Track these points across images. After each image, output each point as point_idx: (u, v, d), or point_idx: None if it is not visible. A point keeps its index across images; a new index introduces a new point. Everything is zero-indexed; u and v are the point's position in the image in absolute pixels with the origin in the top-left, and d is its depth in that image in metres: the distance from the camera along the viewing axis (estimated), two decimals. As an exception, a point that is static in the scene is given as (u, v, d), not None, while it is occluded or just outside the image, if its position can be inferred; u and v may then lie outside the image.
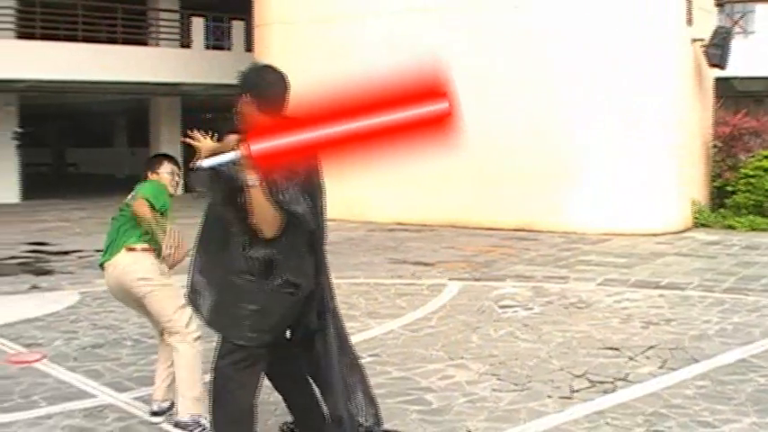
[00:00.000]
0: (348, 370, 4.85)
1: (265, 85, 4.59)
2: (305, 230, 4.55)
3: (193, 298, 4.74)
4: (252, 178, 4.28)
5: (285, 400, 5.09)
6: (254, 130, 4.33)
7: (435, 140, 4.51)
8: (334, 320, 4.83)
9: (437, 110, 4.30)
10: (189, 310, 5.25)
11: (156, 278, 5.59)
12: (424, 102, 4.29)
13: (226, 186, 4.49)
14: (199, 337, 5.56)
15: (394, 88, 4.34)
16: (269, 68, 4.71)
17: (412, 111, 4.28)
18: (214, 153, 4.66)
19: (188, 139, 4.99)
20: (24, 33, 24.76)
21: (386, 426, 5.06)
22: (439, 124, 4.36)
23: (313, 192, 4.57)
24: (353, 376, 4.87)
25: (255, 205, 4.34)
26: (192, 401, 5.45)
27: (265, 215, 4.37)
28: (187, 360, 5.50)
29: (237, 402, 4.60)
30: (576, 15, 16.15)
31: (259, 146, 4.18)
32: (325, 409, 4.90)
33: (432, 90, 4.33)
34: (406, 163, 4.48)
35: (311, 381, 4.98)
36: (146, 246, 5.61)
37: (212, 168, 4.45)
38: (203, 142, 4.90)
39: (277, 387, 5.06)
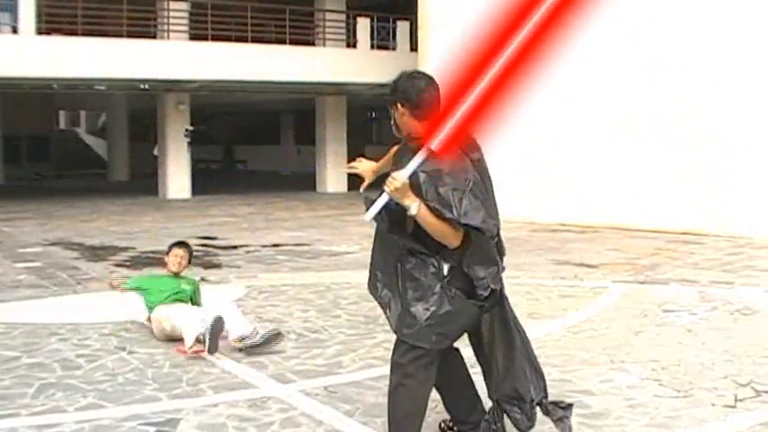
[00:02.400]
0: (519, 346, 4.91)
1: (417, 91, 4.56)
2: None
3: (384, 310, 4.84)
4: (412, 206, 4.35)
5: (442, 393, 5.17)
6: (426, 131, 4.39)
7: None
8: (502, 300, 4.87)
9: None
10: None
11: None
12: None
13: (391, 217, 4.58)
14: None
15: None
16: (418, 74, 4.68)
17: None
18: (378, 171, 4.77)
19: (350, 169, 5.08)
20: (196, 35, 25.58)
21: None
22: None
23: (486, 182, 4.63)
24: (522, 352, 4.92)
25: (427, 227, 4.42)
26: None
27: (442, 232, 4.44)
28: None
29: (415, 398, 4.70)
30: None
31: (437, 141, 4.27)
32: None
33: None
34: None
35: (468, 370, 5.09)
36: None
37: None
38: (364, 165, 4.99)
39: (437, 380, 5.14)
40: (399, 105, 4.60)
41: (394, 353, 4.73)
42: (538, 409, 4.92)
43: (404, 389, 4.67)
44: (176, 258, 8.46)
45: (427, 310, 4.56)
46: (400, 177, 4.33)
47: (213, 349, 7.18)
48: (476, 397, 5.10)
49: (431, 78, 4.64)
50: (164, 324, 7.81)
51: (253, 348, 7.45)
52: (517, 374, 4.85)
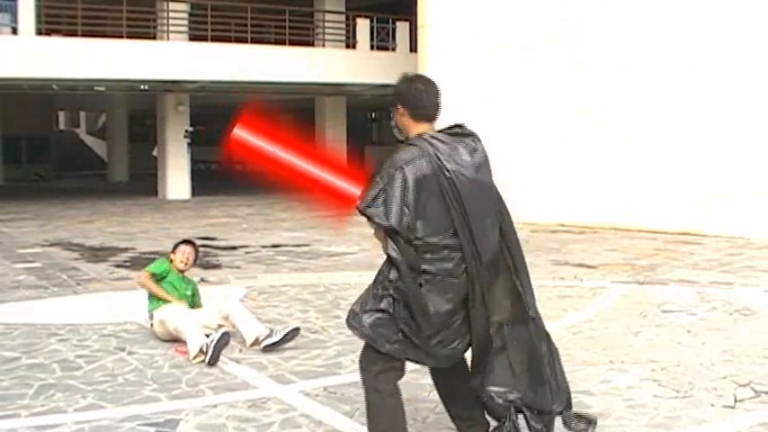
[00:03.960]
0: (545, 357, 4.91)
1: (415, 93, 4.72)
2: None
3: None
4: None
5: (442, 392, 5.16)
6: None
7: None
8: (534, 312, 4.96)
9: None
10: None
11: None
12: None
13: None
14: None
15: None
16: (419, 78, 4.90)
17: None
18: None
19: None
20: (196, 36, 25.57)
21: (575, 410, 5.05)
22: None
23: (445, 193, 4.64)
24: (549, 363, 4.92)
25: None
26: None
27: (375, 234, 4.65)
28: None
29: (386, 410, 4.76)
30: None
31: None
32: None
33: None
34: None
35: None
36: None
37: None
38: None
39: (439, 389, 5.15)
40: (399, 106, 4.75)
41: (360, 366, 4.83)
42: (559, 419, 4.90)
43: (375, 403, 4.78)
44: (183, 256, 8.38)
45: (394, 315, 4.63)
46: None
47: (214, 362, 7.14)
48: (474, 395, 5.09)
49: (431, 82, 4.79)
50: (169, 326, 7.78)
51: (272, 347, 7.53)
52: (539, 384, 4.85)
